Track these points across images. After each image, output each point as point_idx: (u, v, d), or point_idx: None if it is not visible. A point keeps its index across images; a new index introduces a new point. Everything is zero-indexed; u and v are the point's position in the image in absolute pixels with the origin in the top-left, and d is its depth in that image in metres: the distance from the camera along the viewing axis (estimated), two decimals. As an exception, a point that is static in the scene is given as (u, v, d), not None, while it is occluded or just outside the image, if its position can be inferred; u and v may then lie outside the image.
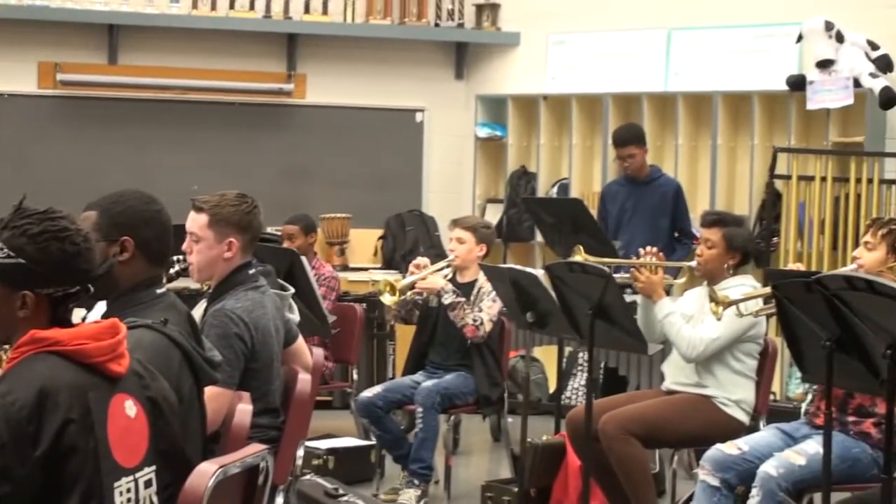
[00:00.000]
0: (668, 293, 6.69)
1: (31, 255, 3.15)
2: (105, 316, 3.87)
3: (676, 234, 8.92)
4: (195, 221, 5.06)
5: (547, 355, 9.57)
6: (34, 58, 10.45)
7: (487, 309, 7.43)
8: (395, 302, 7.57)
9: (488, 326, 7.43)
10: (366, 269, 10.60)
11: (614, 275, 6.21)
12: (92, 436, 3.06)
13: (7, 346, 3.30)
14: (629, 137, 9.04)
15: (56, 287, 3.18)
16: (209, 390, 3.88)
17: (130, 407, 3.18)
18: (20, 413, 2.99)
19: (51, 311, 3.20)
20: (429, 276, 7.54)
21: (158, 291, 4.11)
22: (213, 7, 10.59)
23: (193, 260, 5.08)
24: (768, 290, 5.53)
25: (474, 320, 7.40)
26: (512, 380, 8.86)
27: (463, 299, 7.45)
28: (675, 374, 6.50)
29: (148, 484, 3.19)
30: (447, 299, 7.44)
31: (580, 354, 9.37)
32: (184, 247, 5.09)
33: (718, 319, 6.03)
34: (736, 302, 5.93)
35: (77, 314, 3.34)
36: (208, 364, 3.74)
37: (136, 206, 4.14)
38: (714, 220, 6.55)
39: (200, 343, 3.86)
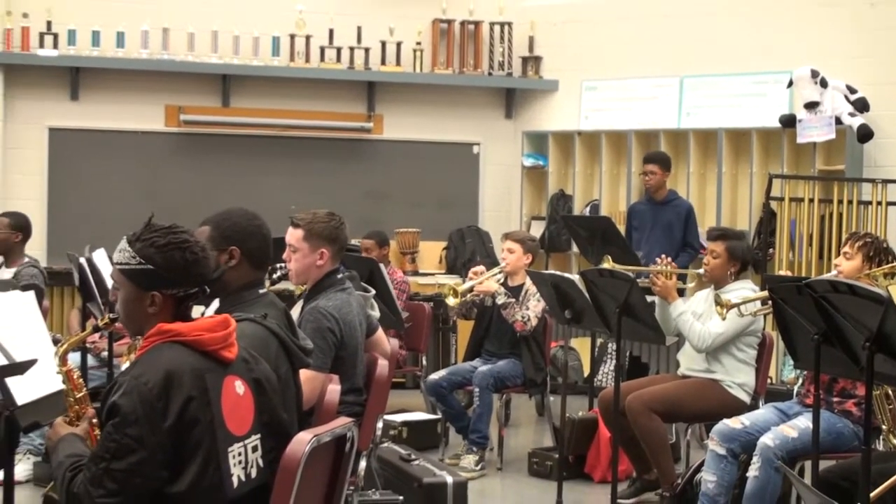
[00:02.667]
0: (681, 295, 6.64)
1: (158, 262, 3.17)
2: (218, 312, 3.88)
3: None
4: (293, 235, 5.05)
5: (582, 345, 9.53)
6: (161, 101, 10.51)
7: (533, 307, 7.40)
8: (457, 303, 7.57)
9: (534, 322, 7.40)
10: (432, 275, 10.63)
11: (637, 280, 6.16)
12: (209, 410, 3.07)
13: (138, 338, 3.32)
14: (655, 157, 9.08)
15: (179, 288, 3.20)
16: (307, 374, 3.87)
17: (239, 386, 3.19)
18: (151, 392, 3.01)
19: (174, 308, 3.21)
20: (485, 281, 7.52)
21: (260, 291, 4.13)
22: (307, 60, 10.64)
23: (292, 267, 5.08)
24: (765, 293, 5.48)
25: (522, 317, 7.37)
26: (553, 365, 8.81)
27: (513, 300, 7.43)
28: (689, 362, 6.46)
29: (255, 449, 3.20)
30: (500, 300, 7.42)
31: (609, 345, 9.32)
32: (284, 256, 5.10)
33: (723, 319, 5.99)
34: (737, 305, 5.90)
35: (196, 310, 3.35)
36: (301, 351, 3.74)
37: (242, 222, 4.15)
38: (719, 234, 6.51)
39: (295, 333, 3.86)
